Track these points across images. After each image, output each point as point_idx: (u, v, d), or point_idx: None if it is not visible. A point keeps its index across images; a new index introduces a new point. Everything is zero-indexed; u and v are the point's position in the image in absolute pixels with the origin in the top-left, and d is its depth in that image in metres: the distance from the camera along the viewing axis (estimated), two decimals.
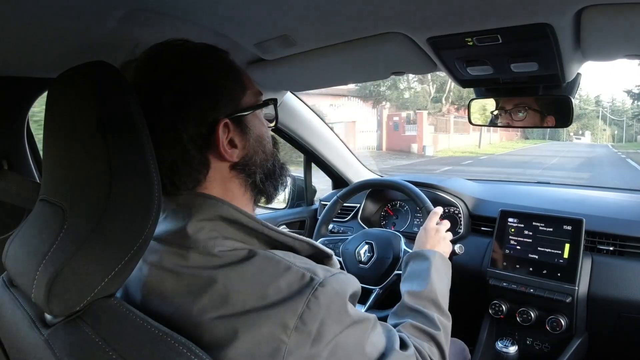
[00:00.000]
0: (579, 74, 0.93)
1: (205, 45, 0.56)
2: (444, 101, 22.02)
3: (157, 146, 0.49)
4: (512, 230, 1.24)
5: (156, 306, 0.49)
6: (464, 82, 0.98)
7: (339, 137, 1.69)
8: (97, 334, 0.43)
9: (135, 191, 0.46)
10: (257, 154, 0.58)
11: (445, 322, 0.74)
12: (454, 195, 1.44)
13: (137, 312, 0.45)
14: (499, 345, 1.14)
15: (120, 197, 0.44)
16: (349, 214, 1.61)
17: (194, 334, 0.45)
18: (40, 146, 1.02)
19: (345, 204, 1.46)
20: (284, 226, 1.66)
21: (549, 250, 1.16)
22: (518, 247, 1.21)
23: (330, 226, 1.54)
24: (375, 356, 0.54)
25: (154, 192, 0.47)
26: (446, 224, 1.01)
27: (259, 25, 0.76)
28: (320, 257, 0.57)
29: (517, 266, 1.19)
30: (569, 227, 1.16)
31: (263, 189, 0.60)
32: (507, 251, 1.23)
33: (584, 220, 1.15)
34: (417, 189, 1.23)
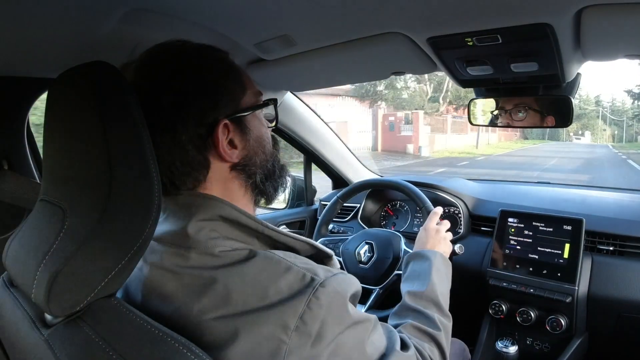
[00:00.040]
0: (579, 74, 0.93)
1: (205, 46, 0.56)
2: (441, 101, 21.75)
3: (157, 146, 0.49)
4: (512, 230, 1.24)
5: (156, 306, 0.49)
6: (464, 82, 0.98)
7: (338, 137, 1.69)
8: (97, 334, 0.43)
9: (135, 191, 0.46)
10: (257, 154, 0.58)
11: (445, 323, 0.74)
12: (454, 195, 1.44)
13: (138, 312, 0.45)
14: (499, 345, 1.14)
15: (120, 197, 0.44)
16: (349, 214, 1.61)
17: (194, 334, 0.45)
18: (40, 146, 1.02)
19: (345, 204, 1.46)
20: (284, 226, 1.66)
21: (549, 250, 1.16)
22: (518, 247, 1.21)
23: (331, 226, 1.54)
24: (375, 357, 0.54)
25: (154, 192, 0.47)
26: (446, 224, 1.01)
27: (259, 25, 0.76)
28: (321, 257, 0.57)
29: (517, 266, 1.19)
30: (569, 227, 1.16)
31: (263, 189, 0.60)
32: (507, 251, 1.23)
33: (584, 220, 1.15)
34: (417, 189, 1.23)
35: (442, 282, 0.83)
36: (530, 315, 1.16)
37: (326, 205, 1.40)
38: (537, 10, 0.62)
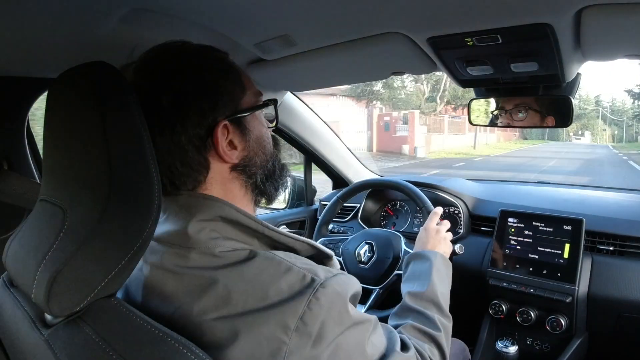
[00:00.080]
0: (579, 74, 0.93)
1: (205, 47, 0.56)
2: (438, 100, 21.41)
3: (157, 147, 0.49)
4: (512, 230, 1.24)
5: (157, 306, 0.49)
6: (464, 82, 0.98)
7: (339, 137, 1.69)
8: (97, 334, 0.43)
9: (135, 191, 0.46)
10: (257, 155, 0.58)
11: (445, 323, 0.74)
12: (454, 195, 1.44)
13: (138, 312, 0.45)
14: (499, 345, 1.14)
15: (120, 197, 0.44)
16: (349, 214, 1.61)
17: (194, 334, 0.45)
18: (40, 146, 1.02)
19: (345, 204, 1.46)
20: (284, 226, 1.66)
21: (549, 250, 1.16)
22: (518, 247, 1.21)
23: (331, 226, 1.54)
24: (376, 357, 0.54)
25: (154, 192, 0.47)
26: (446, 224, 1.01)
27: (259, 25, 0.76)
28: (321, 258, 0.57)
29: (517, 266, 1.19)
30: (569, 227, 1.16)
31: (264, 189, 0.60)
32: (507, 251, 1.23)
33: (584, 220, 1.15)
34: (417, 189, 1.23)
35: (442, 282, 0.83)
36: (530, 315, 1.16)
37: (326, 205, 1.40)
38: (537, 10, 0.62)
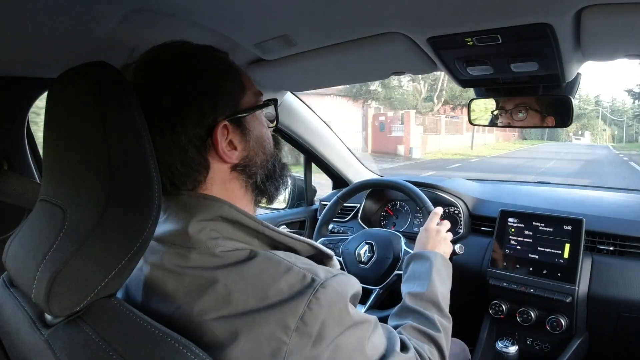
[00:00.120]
0: (579, 74, 0.93)
1: (205, 47, 0.56)
2: (435, 100, 20.94)
3: (157, 147, 0.49)
4: (512, 230, 1.24)
5: (157, 306, 0.49)
6: (464, 82, 0.98)
7: (338, 137, 1.69)
8: (97, 334, 0.43)
9: (135, 191, 0.46)
10: (257, 155, 0.58)
11: (445, 324, 0.74)
12: (454, 195, 1.44)
13: (138, 312, 0.45)
14: (499, 345, 1.14)
15: (120, 197, 0.44)
16: (349, 214, 1.61)
17: (194, 334, 0.45)
18: (40, 146, 1.02)
19: (345, 204, 1.46)
20: (284, 226, 1.66)
21: (549, 250, 1.16)
22: (518, 247, 1.21)
23: (331, 226, 1.54)
24: (375, 357, 0.54)
25: (154, 192, 0.47)
26: (447, 224, 1.01)
27: (259, 25, 0.76)
28: (321, 258, 0.57)
29: (517, 266, 1.19)
30: (569, 227, 1.16)
31: (264, 189, 0.60)
32: (507, 251, 1.23)
33: (584, 220, 1.15)
34: (417, 189, 1.23)
35: (442, 283, 0.83)
36: (531, 315, 1.16)
37: (326, 205, 1.40)
38: (537, 11, 0.62)
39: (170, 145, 0.51)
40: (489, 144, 27.29)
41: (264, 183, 0.59)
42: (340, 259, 1.23)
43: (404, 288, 0.84)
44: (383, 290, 1.14)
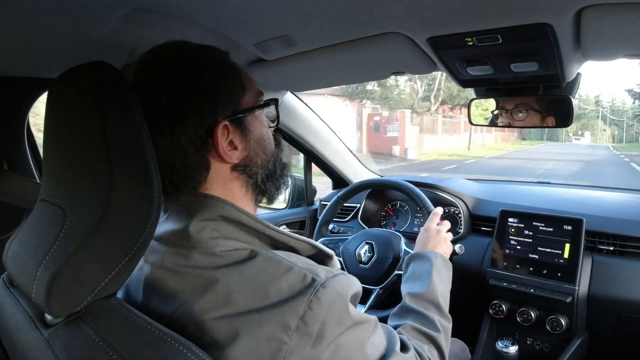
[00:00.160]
0: (579, 74, 0.93)
1: (205, 47, 0.56)
2: (432, 100, 20.55)
3: (157, 147, 0.49)
4: (513, 230, 1.24)
5: (157, 306, 0.49)
6: (464, 82, 0.98)
7: (338, 137, 1.69)
8: (97, 334, 0.43)
9: (135, 191, 0.46)
10: (257, 155, 0.58)
11: (445, 324, 0.74)
12: (454, 195, 1.44)
13: (138, 312, 0.45)
14: (499, 345, 1.14)
15: (120, 198, 0.44)
16: (349, 214, 1.61)
17: (195, 333, 0.45)
18: (40, 146, 1.02)
19: (345, 204, 1.46)
20: (284, 226, 1.66)
21: (549, 250, 1.16)
22: (518, 247, 1.21)
23: (331, 226, 1.54)
24: (375, 357, 0.54)
25: (154, 192, 0.47)
26: (447, 224, 1.01)
27: (259, 25, 0.76)
28: (321, 258, 0.57)
29: (518, 266, 1.19)
30: (569, 227, 1.16)
31: (264, 189, 0.60)
32: (507, 251, 1.23)
33: (584, 220, 1.15)
34: (417, 189, 1.23)
35: (442, 283, 0.83)
36: (531, 315, 1.16)
37: (326, 205, 1.40)
38: (537, 10, 0.62)
39: (171, 146, 0.51)
40: (487, 144, 26.78)
41: (264, 183, 0.59)
42: (341, 259, 1.22)
43: (404, 288, 0.84)
44: (383, 290, 1.14)
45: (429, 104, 20.64)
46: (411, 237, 1.19)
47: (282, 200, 1.72)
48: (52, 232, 0.44)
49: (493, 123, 1.08)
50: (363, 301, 1.12)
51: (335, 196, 1.38)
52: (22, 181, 0.89)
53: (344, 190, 1.38)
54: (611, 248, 1.15)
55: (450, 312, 0.79)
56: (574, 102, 0.99)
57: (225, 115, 0.53)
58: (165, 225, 0.54)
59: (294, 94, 1.43)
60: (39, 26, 0.65)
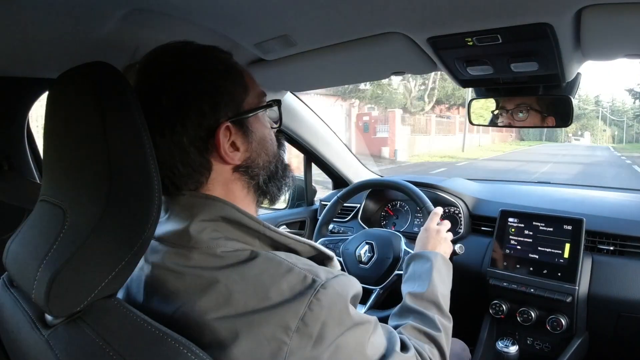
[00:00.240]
0: (579, 74, 0.93)
1: (206, 47, 0.56)
2: (426, 99, 19.60)
3: (158, 148, 0.49)
4: (513, 230, 1.24)
5: (157, 306, 0.49)
6: (464, 82, 0.98)
7: (338, 137, 1.69)
8: (97, 334, 0.43)
9: (135, 191, 0.46)
10: (259, 156, 0.58)
11: (446, 324, 0.74)
12: (454, 195, 1.44)
13: (138, 312, 0.45)
14: (500, 345, 1.14)
15: (120, 198, 0.44)
16: (349, 214, 1.61)
17: (195, 333, 0.45)
18: (40, 146, 1.02)
19: (345, 204, 1.46)
20: (284, 226, 1.66)
21: (549, 250, 1.16)
22: (518, 247, 1.21)
23: (331, 226, 1.54)
24: (376, 358, 0.54)
25: (154, 192, 0.47)
26: (447, 224, 1.01)
27: (259, 25, 0.76)
28: (322, 259, 0.57)
29: (518, 266, 1.19)
30: (569, 227, 1.16)
31: (266, 190, 0.60)
32: (507, 251, 1.23)
33: (584, 220, 1.15)
34: (417, 189, 1.23)
35: (442, 283, 0.83)
36: (531, 315, 1.16)
37: (326, 205, 1.40)
38: (537, 10, 0.62)
39: (171, 146, 0.51)
40: (483, 145, 25.86)
41: (266, 184, 0.59)
42: (341, 259, 1.22)
43: (404, 288, 0.84)
44: (383, 291, 1.14)
45: (423, 103, 19.94)
46: (411, 237, 1.19)
47: (282, 200, 1.72)
48: (53, 232, 0.44)
49: (493, 123, 1.08)
50: (363, 301, 1.12)
51: (335, 196, 1.38)
52: (22, 181, 0.89)
53: (344, 190, 1.38)
54: (611, 248, 1.15)
55: (450, 312, 0.79)
56: (574, 102, 0.99)
57: (227, 116, 0.53)
58: (166, 226, 0.54)
59: (294, 94, 1.43)
60: (39, 26, 0.65)
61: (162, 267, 0.51)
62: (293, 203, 1.76)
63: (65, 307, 0.43)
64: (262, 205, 0.64)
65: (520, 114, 1.03)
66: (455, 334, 0.84)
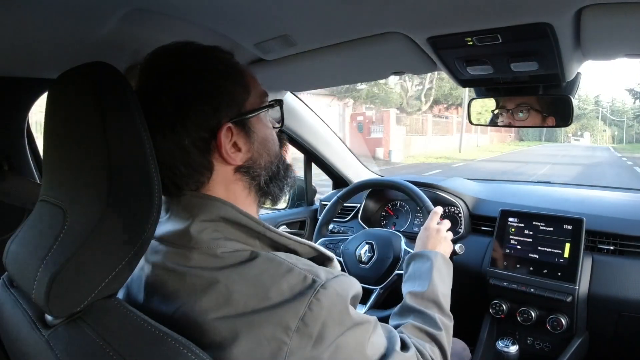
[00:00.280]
0: (578, 74, 0.93)
1: (206, 47, 0.56)
2: (423, 99, 19.39)
3: (158, 148, 0.49)
4: (513, 229, 1.24)
5: (158, 306, 0.49)
6: (464, 82, 0.98)
7: (339, 137, 1.69)
8: (97, 334, 0.43)
9: (135, 191, 0.46)
10: (261, 156, 0.57)
11: (446, 323, 0.74)
12: (454, 195, 1.44)
13: (138, 312, 0.45)
14: (500, 344, 1.14)
15: (120, 198, 0.44)
16: (350, 214, 1.61)
17: (195, 334, 0.45)
18: (40, 146, 1.02)
19: (345, 204, 1.46)
20: (284, 226, 1.66)
21: (550, 249, 1.16)
22: (518, 247, 1.21)
23: (331, 226, 1.54)
24: (376, 357, 0.54)
25: (154, 193, 0.47)
26: (447, 223, 1.01)
27: (259, 25, 0.76)
28: (322, 260, 0.57)
29: (518, 266, 1.19)
30: (570, 227, 1.16)
31: (267, 191, 0.59)
32: (507, 251, 1.23)
33: (585, 219, 1.15)
34: (417, 189, 1.23)
35: (443, 282, 0.83)
36: (531, 315, 1.16)
37: (326, 205, 1.40)
38: (537, 10, 0.62)
39: (172, 146, 0.51)
40: (482, 145, 25.17)
41: (267, 184, 0.59)
42: (341, 259, 1.22)
43: (405, 287, 0.84)
44: (383, 290, 1.14)
45: (420, 103, 19.57)
46: (411, 237, 1.19)
47: (283, 200, 1.72)
48: (53, 233, 0.44)
49: (493, 123, 1.08)
50: (364, 301, 1.12)
51: (335, 196, 1.38)
52: (22, 181, 0.89)
53: (344, 190, 1.38)
54: (611, 247, 1.15)
55: (450, 311, 0.79)
56: (574, 102, 0.99)
57: (228, 117, 0.53)
58: (166, 226, 0.54)
59: (294, 94, 1.43)
60: (39, 26, 0.65)
61: (162, 267, 0.51)
62: (293, 203, 1.76)
63: (65, 307, 0.43)
64: (264, 206, 0.64)
65: (521, 114, 1.03)
66: (455, 334, 0.84)
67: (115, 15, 0.66)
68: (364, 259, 1.18)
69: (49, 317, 0.46)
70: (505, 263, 1.22)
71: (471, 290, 1.25)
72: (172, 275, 0.49)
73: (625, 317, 1.10)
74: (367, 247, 1.19)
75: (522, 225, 1.23)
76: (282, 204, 1.71)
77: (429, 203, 1.18)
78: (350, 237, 1.28)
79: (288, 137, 1.52)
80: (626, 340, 1.14)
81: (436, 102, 21.04)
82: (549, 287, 1.13)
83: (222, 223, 0.52)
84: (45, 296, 0.42)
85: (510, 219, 1.25)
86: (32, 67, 0.87)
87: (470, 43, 0.74)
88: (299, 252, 0.55)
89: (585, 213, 1.18)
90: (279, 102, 0.63)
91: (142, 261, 0.53)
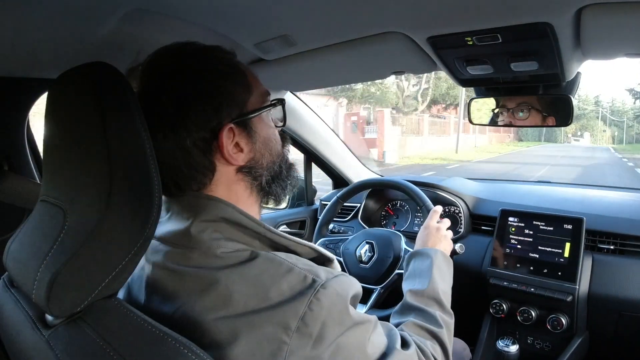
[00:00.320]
0: (578, 73, 0.93)
1: (207, 47, 0.56)
2: (419, 98, 19.11)
3: (159, 148, 0.49)
4: (513, 229, 1.24)
5: (158, 306, 0.49)
6: (464, 82, 0.98)
7: (339, 137, 1.69)
8: (97, 334, 0.43)
9: (135, 191, 0.46)
10: (263, 156, 0.57)
11: (447, 320, 0.74)
12: (455, 195, 1.44)
13: (138, 312, 0.45)
14: (500, 344, 1.14)
15: (120, 198, 0.44)
16: (350, 214, 1.61)
17: (195, 333, 0.45)
18: (40, 146, 1.02)
19: (345, 204, 1.46)
20: (284, 226, 1.66)
21: (550, 249, 1.16)
22: (518, 246, 1.21)
23: (331, 226, 1.54)
24: (376, 356, 0.54)
25: (154, 193, 0.47)
26: (447, 222, 1.02)
27: (259, 25, 0.76)
28: (322, 261, 0.57)
29: (518, 265, 1.19)
30: (570, 226, 1.16)
31: (269, 191, 0.59)
32: (507, 250, 1.23)
33: (585, 219, 1.15)
34: (417, 189, 1.23)
35: (443, 279, 0.83)
36: (531, 315, 1.16)
37: (326, 205, 1.40)
38: (537, 10, 0.62)
39: (174, 147, 0.51)
40: (480, 146, 24.55)
41: (269, 185, 0.59)
42: (341, 259, 1.22)
43: (405, 286, 0.84)
44: (384, 290, 1.14)
45: (416, 102, 19.22)
46: (411, 237, 1.19)
47: (285, 200, 1.72)
48: (53, 233, 0.44)
49: (493, 122, 1.08)
50: (364, 301, 1.12)
51: (335, 196, 1.38)
52: (22, 181, 0.89)
53: (344, 190, 1.38)
54: (612, 247, 1.15)
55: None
56: (574, 101, 0.99)
57: (230, 117, 0.53)
58: (167, 226, 0.54)
59: (294, 94, 1.43)
60: (40, 27, 0.65)
61: (162, 267, 0.51)
62: (293, 203, 1.76)
63: (65, 307, 0.43)
64: (267, 206, 0.63)
65: (521, 113, 1.03)
66: (455, 334, 0.84)
67: (115, 15, 0.66)
68: (364, 258, 1.18)
69: (49, 317, 0.46)
70: (505, 263, 1.22)
71: (471, 290, 1.25)
72: (173, 275, 0.49)
73: (625, 317, 1.10)
74: (367, 246, 1.19)
75: (522, 224, 1.23)
76: (282, 204, 1.71)
77: (429, 202, 1.18)
78: (350, 237, 1.28)
79: (288, 136, 1.52)
80: (626, 340, 1.14)
81: (434, 102, 20.80)
82: (549, 287, 1.13)
83: (222, 223, 0.52)
84: (46, 296, 0.42)
85: (511, 219, 1.25)
86: (32, 67, 0.87)
87: (470, 43, 0.74)
88: (299, 253, 0.55)
89: (585, 212, 1.18)
90: (281, 102, 0.62)
91: (142, 261, 0.53)
